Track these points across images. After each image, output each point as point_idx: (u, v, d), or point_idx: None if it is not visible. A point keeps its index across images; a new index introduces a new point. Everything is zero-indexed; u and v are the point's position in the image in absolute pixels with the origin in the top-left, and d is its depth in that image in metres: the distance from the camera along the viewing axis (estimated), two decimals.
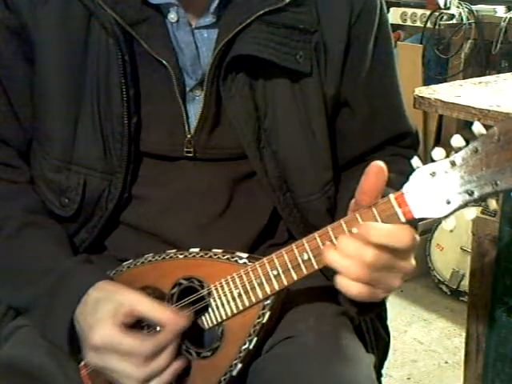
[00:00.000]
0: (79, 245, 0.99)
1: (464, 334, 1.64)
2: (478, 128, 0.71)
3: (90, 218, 0.97)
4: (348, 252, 0.74)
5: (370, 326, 1.02)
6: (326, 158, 0.97)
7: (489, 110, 1.28)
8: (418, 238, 0.76)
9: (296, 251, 0.80)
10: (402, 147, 1.04)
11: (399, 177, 0.77)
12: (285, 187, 0.95)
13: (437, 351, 2.32)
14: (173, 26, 0.91)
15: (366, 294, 0.75)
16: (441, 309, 2.57)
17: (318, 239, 0.79)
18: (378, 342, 1.03)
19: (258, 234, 0.99)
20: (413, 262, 0.77)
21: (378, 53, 0.98)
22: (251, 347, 0.85)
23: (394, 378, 2.18)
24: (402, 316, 2.49)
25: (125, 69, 0.90)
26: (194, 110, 0.94)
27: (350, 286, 0.74)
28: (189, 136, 0.94)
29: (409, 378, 2.19)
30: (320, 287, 0.97)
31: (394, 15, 3.06)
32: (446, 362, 2.26)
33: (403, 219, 0.75)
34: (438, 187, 0.73)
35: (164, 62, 0.90)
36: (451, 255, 2.59)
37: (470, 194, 0.71)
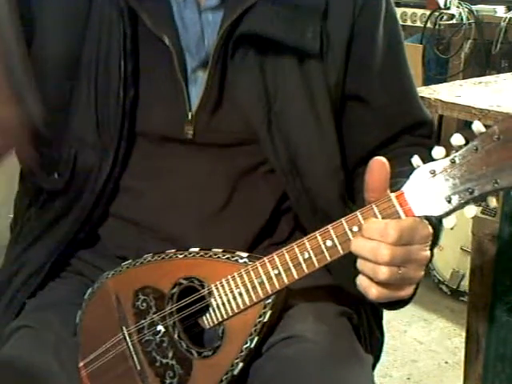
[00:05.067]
0: (75, 234, 0.98)
1: (464, 334, 1.64)
2: (477, 126, 0.71)
3: (79, 196, 0.96)
4: (374, 236, 0.74)
5: (365, 326, 1.02)
6: (334, 144, 0.97)
7: (489, 110, 1.28)
8: (430, 230, 0.76)
9: (297, 250, 0.80)
10: (418, 136, 1.03)
11: None
12: (295, 171, 0.94)
13: (437, 351, 2.32)
14: (180, 5, 0.91)
15: (394, 277, 0.75)
16: (441, 309, 2.57)
17: (319, 238, 0.79)
18: (372, 342, 1.03)
19: (258, 231, 0.98)
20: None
21: (388, 42, 0.98)
22: (252, 346, 0.85)
23: (394, 377, 2.17)
24: (401, 316, 2.48)
25: (125, 43, 0.90)
26: (196, 91, 0.93)
27: (378, 269, 0.74)
28: (189, 116, 0.92)
29: (409, 378, 2.19)
30: (320, 287, 0.97)
31: None
32: (446, 362, 2.26)
33: (404, 218, 0.75)
34: (439, 186, 0.73)
35: (165, 39, 0.89)
36: (451, 255, 2.58)
37: (471, 192, 0.72)
